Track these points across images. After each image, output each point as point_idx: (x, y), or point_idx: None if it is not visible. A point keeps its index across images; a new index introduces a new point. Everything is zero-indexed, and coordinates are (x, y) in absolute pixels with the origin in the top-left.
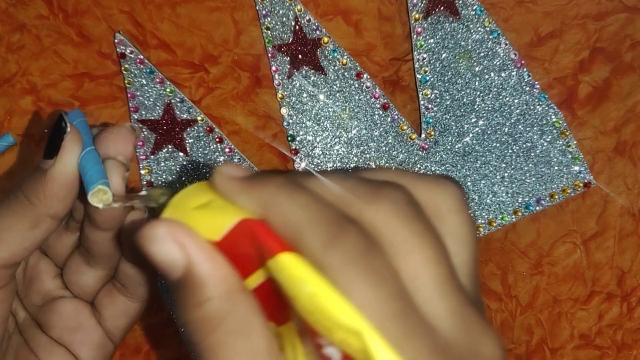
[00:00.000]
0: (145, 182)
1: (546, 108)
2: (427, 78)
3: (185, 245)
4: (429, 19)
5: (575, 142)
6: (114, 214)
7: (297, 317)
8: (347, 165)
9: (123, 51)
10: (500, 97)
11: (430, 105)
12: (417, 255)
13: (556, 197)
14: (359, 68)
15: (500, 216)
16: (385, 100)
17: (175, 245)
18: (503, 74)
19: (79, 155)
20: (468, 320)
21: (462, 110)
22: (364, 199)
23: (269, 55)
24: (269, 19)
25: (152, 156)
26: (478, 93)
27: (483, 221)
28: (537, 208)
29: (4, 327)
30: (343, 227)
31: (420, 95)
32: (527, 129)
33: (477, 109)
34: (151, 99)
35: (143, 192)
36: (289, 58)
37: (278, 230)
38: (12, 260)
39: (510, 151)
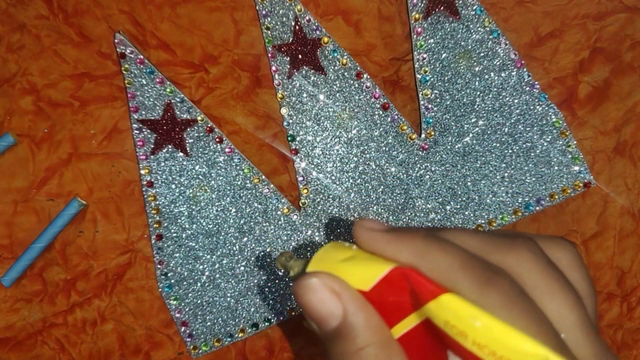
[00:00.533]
0: (145, 182)
1: (546, 108)
2: (427, 78)
3: (341, 294)
4: (429, 19)
5: (575, 142)
6: None
7: (459, 355)
8: (347, 166)
9: (123, 51)
10: (500, 97)
11: (430, 105)
12: (561, 298)
13: (556, 197)
14: (359, 68)
15: (500, 216)
16: (385, 100)
17: (331, 295)
18: (503, 74)
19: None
20: None
21: (462, 110)
22: (502, 248)
23: (269, 55)
24: (269, 19)
25: (152, 156)
26: (478, 93)
27: (483, 221)
28: (537, 208)
29: None
30: (495, 271)
31: (420, 95)
32: (527, 129)
33: (477, 109)
34: (151, 99)
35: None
36: (289, 58)
37: (431, 275)
38: None
39: (510, 151)
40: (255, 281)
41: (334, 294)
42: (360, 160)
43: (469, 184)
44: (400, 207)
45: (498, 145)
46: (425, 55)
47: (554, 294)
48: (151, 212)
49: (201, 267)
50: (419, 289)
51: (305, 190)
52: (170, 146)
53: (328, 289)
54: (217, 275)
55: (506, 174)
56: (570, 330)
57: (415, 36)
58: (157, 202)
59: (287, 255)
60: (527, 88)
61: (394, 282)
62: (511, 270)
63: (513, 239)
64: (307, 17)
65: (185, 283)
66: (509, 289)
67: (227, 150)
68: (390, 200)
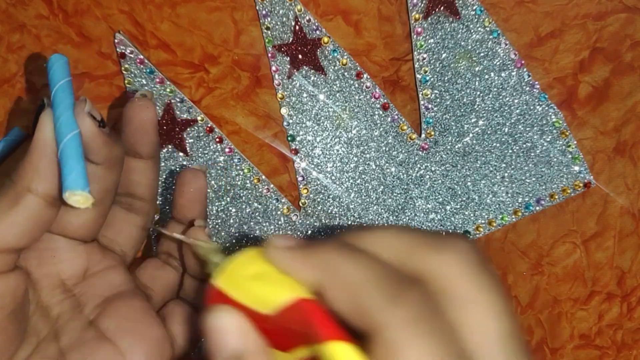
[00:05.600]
0: None
1: (546, 108)
2: (427, 78)
3: (247, 340)
4: (429, 19)
5: (575, 142)
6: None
7: None
8: (347, 166)
9: (123, 51)
10: (500, 97)
11: (430, 105)
12: (482, 309)
13: (556, 197)
14: (359, 68)
15: (500, 216)
16: (385, 100)
17: (240, 340)
18: (503, 74)
19: (53, 129)
20: None
21: (462, 110)
22: (429, 250)
23: (269, 55)
24: (269, 19)
25: None
26: (478, 93)
27: (483, 221)
28: (537, 208)
29: (19, 316)
30: (405, 286)
31: (420, 95)
32: (527, 129)
33: (477, 109)
34: None
35: (196, 240)
36: (289, 58)
37: (338, 294)
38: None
39: (510, 151)
40: None
41: (242, 339)
42: (360, 160)
43: (469, 184)
44: (400, 207)
45: (498, 145)
46: (425, 55)
47: (477, 303)
48: None
49: None
50: (314, 329)
51: (305, 190)
52: (170, 146)
53: (238, 333)
54: None
55: (506, 174)
56: (486, 345)
57: (415, 36)
58: (158, 202)
59: (212, 248)
60: (527, 88)
61: (294, 314)
62: (434, 274)
63: (443, 239)
64: (307, 17)
65: None
66: (419, 304)
67: (227, 150)
68: (390, 200)
